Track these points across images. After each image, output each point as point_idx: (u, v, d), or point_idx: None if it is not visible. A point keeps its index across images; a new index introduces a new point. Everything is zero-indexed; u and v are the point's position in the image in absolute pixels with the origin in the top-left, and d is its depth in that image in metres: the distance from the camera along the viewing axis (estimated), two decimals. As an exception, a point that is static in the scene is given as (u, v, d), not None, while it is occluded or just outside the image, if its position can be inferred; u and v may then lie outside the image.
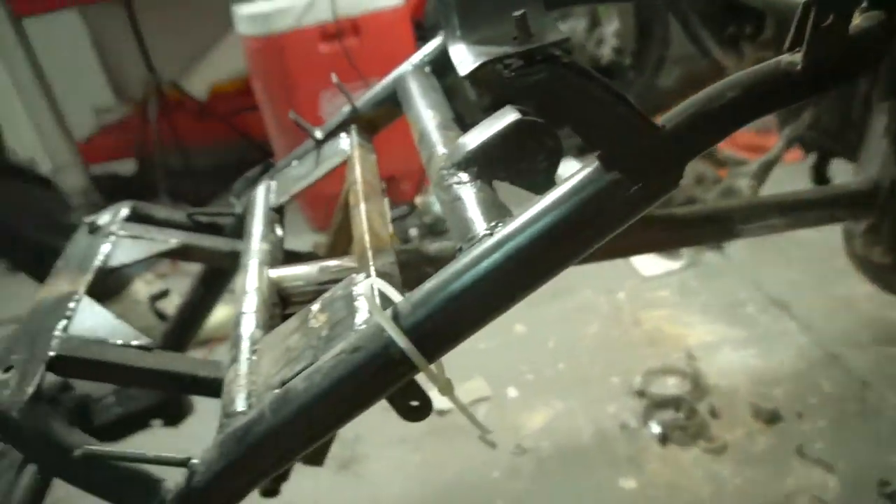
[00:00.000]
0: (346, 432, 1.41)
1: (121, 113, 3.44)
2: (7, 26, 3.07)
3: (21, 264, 1.79)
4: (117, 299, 1.77)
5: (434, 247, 0.88)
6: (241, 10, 2.25)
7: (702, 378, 1.39)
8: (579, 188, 0.48)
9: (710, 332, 1.54)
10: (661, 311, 1.65)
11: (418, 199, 2.28)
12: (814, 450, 1.19)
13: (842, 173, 1.19)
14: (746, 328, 1.53)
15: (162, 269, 2.07)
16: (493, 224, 0.52)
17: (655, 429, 1.27)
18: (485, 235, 0.51)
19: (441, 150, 0.67)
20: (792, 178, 1.26)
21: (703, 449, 1.23)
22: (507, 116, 0.61)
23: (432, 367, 0.51)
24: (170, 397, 0.98)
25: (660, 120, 0.48)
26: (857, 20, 0.54)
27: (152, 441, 1.09)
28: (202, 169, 2.83)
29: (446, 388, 0.53)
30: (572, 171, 0.50)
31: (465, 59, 0.44)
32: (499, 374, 1.53)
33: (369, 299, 0.51)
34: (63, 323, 0.67)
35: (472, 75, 0.44)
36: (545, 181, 0.60)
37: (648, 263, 1.82)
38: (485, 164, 0.60)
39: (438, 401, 1.53)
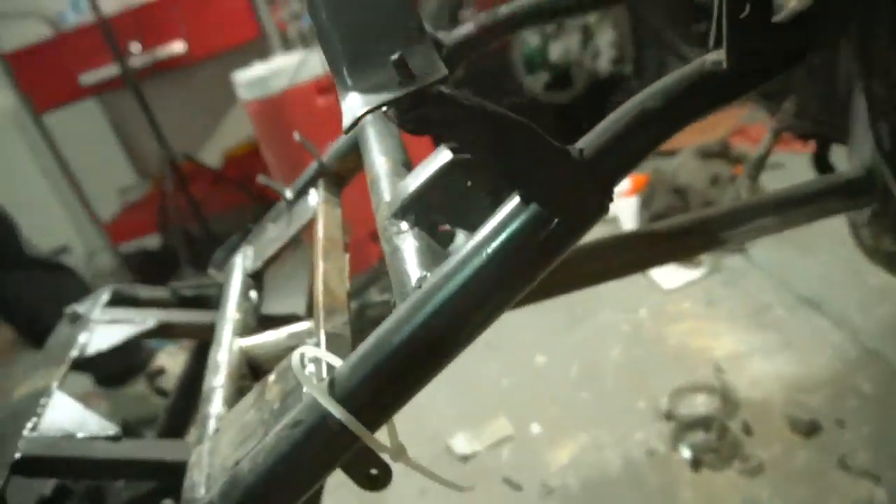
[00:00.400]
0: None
1: (142, 190, 3.56)
2: (30, 124, 3.24)
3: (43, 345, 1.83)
4: (139, 379, 1.79)
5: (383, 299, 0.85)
6: (240, 78, 2.33)
7: (732, 392, 1.31)
8: (501, 227, 0.45)
9: (738, 342, 1.46)
10: (685, 325, 1.58)
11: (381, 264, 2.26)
12: (858, 460, 1.10)
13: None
14: (776, 333, 1.45)
15: (186, 341, 2.09)
16: (422, 276, 0.49)
17: (686, 453, 1.20)
18: (415, 289, 0.48)
19: (387, 197, 0.65)
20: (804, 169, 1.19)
21: (738, 471, 1.15)
22: (441, 157, 0.59)
23: (377, 433, 0.48)
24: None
25: (577, 144, 0.45)
26: (793, 2, 0.50)
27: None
28: (222, 236, 2.88)
29: (397, 454, 0.50)
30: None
31: (351, 107, 0.43)
32: (521, 410, 1.47)
33: (297, 370, 0.48)
34: (32, 421, 0.66)
35: (350, 128, 0.42)
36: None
37: (668, 275, 1.76)
38: (422, 210, 0.57)
39: (460, 446, 1.48)
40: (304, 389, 0.52)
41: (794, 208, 0.79)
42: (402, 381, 0.47)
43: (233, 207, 3.12)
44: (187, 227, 2.89)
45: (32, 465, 0.62)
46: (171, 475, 0.64)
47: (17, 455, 0.62)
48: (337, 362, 0.50)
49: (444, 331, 0.45)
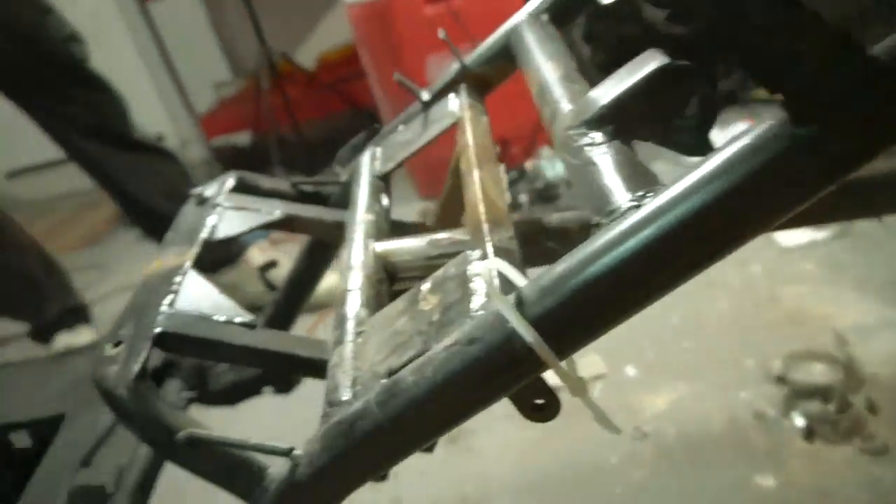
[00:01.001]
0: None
1: (237, 87, 3.57)
2: (135, 11, 3.25)
3: (151, 232, 1.89)
4: (233, 268, 1.83)
5: (556, 217, 0.79)
6: (344, -21, 2.23)
7: (856, 366, 1.21)
8: (758, 148, 0.37)
9: (865, 313, 1.34)
10: (804, 287, 1.46)
11: (529, 164, 2.18)
12: None
13: None
14: (912, 308, 1.32)
15: (276, 237, 2.12)
16: (639, 194, 0.42)
17: (799, 421, 1.13)
18: (630, 208, 0.41)
19: (567, 105, 0.58)
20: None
21: (858, 448, 1.07)
22: (650, 62, 0.51)
23: (563, 363, 0.43)
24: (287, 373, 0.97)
25: (871, 50, 0.36)
26: None
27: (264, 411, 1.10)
28: (313, 139, 2.87)
29: (579, 389, 0.45)
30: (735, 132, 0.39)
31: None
32: (616, 350, 1.42)
33: (488, 282, 0.43)
34: (170, 298, 0.65)
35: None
36: (698, 140, 0.50)
37: (789, 232, 1.63)
38: (623, 122, 0.50)
39: (549, 378, 1.45)
40: (486, 303, 0.47)
41: None
42: (606, 310, 0.42)
43: (325, 113, 3.09)
44: (280, 128, 2.89)
45: (171, 341, 0.61)
46: (311, 370, 0.62)
47: (158, 329, 0.61)
48: (520, 280, 0.45)
49: (670, 256, 0.39)
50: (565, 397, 0.45)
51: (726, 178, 0.37)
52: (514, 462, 1.24)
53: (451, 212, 0.83)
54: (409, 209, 2.16)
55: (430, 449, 0.77)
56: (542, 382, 0.47)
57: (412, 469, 1.23)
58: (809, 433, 1.11)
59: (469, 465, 1.26)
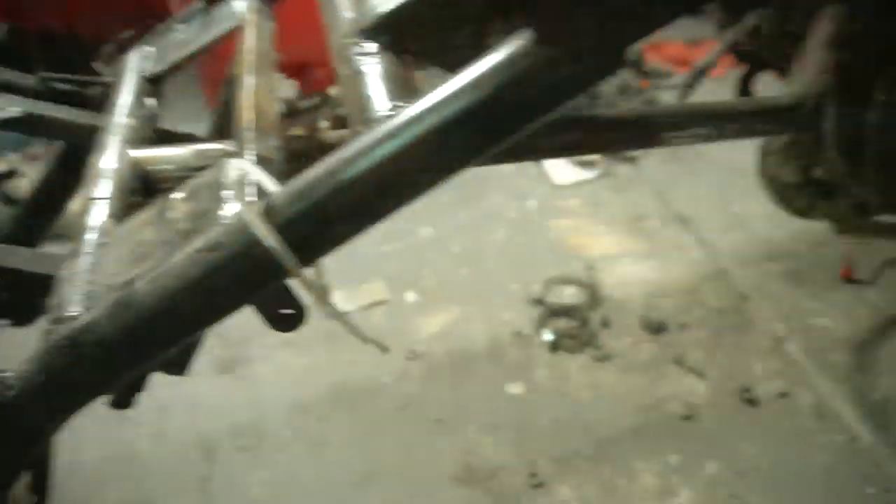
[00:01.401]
0: (232, 332, 1.34)
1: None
2: None
3: None
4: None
5: (335, 134, 0.78)
6: None
7: (599, 289, 1.41)
8: (506, 65, 0.40)
9: (612, 244, 1.56)
10: (569, 221, 1.65)
11: (332, 90, 2.11)
12: (690, 359, 1.25)
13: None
14: (647, 241, 1.56)
15: (36, 151, 1.82)
16: (397, 103, 0.44)
17: (547, 336, 1.29)
18: (386, 116, 0.43)
19: (346, 14, 0.57)
20: (714, 93, 1.24)
21: (590, 357, 1.27)
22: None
23: (308, 271, 0.45)
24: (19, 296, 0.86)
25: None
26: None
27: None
28: (92, 39, 2.48)
29: (321, 298, 0.47)
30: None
31: None
32: (399, 277, 1.49)
33: (236, 187, 0.42)
34: None
35: None
36: (468, 61, 0.53)
37: (562, 172, 1.80)
38: (396, 34, 0.51)
39: (339, 302, 1.47)
40: (229, 209, 0.46)
41: (728, 122, 0.80)
42: (354, 217, 0.43)
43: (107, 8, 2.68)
44: (47, 22, 2.44)
45: None
46: (33, 287, 0.56)
47: None
48: (274, 186, 0.45)
49: (418, 164, 0.41)
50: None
51: (475, 91, 0.40)
52: (289, 387, 1.26)
53: (226, 122, 0.79)
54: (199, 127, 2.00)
55: (181, 371, 0.74)
56: (288, 291, 0.48)
57: (181, 401, 1.20)
58: (555, 346, 1.28)
59: (239, 392, 1.26)
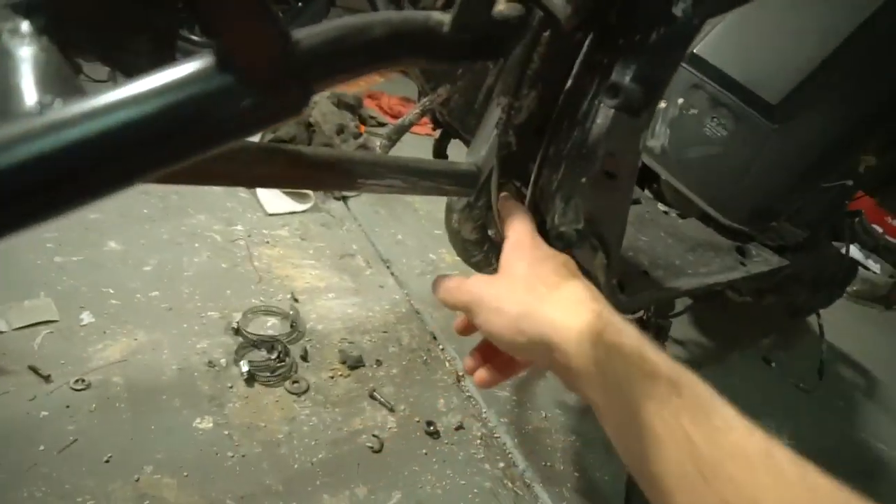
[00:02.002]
0: None
1: None
2: None
3: None
4: None
5: None
6: None
7: (301, 321, 1.40)
8: (181, 83, 0.37)
9: (317, 278, 1.57)
10: (276, 251, 1.62)
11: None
12: (383, 393, 1.31)
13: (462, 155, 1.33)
14: (352, 279, 1.61)
15: None
16: (47, 99, 0.37)
17: (244, 367, 1.23)
18: (31, 112, 0.36)
19: (2, -18, 0.48)
20: (426, 149, 1.35)
21: (287, 390, 1.24)
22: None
23: None
24: None
25: (296, 34, 0.41)
26: (502, 6, 0.56)
27: None
28: None
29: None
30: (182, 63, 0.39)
31: None
32: (75, 294, 1.29)
33: None
34: None
35: None
36: (146, 69, 0.48)
37: (274, 200, 1.77)
38: (59, 18, 0.44)
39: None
40: None
41: (418, 178, 0.88)
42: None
43: None
44: None
45: None
46: None
47: None
48: None
49: (62, 177, 0.35)
50: None
51: (143, 104, 0.36)
52: None
53: None
54: None
55: None
56: None
57: None
58: (251, 378, 1.23)
59: None
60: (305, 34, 0.42)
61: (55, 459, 1.01)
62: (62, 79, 0.40)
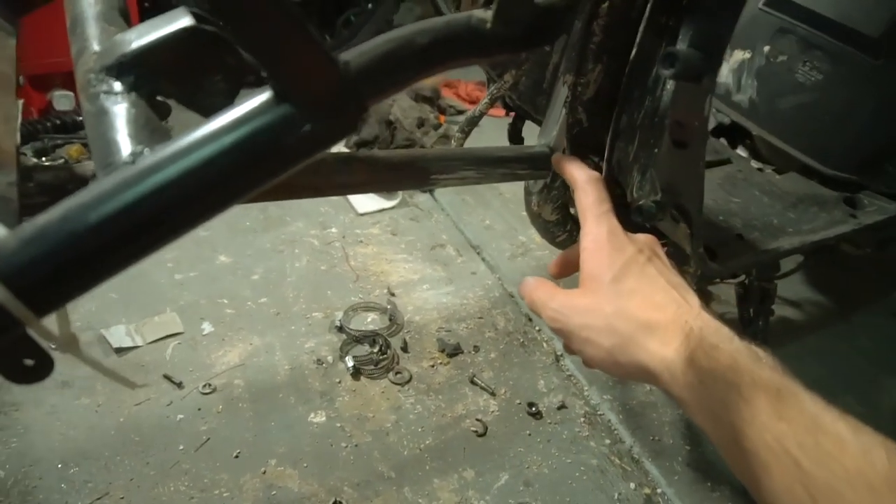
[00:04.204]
0: (-13, 378, 1.17)
1: None
2: None
3: None
4: None
5: (91, 166, 0.73)
6: None
7: (398, 314, 1.46)
8: (246, 118, 0.41)
9: (411, 271, 1.62)
10: (370, 248, 1.68)
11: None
12: (483, 379, 1.34)
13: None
14: (444, 268, 1.65)
15: None
16: (138, 149, 0.42)
17: (349, 363, 1.30)
18: (126, 163, 0.41)
19: (95, 46, 0.54)
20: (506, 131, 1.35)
21: (391, 381, 1.30)
22: (180, 19, 0.51)
23: (46, 318, 0.41)
24: None
25: (343, 56, 0.44)
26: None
27: None
28: None
29: (68, 346, 0.44)
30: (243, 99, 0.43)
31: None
32: (195, 307, 1.41)
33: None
34: None
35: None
36: (223, 107, 0.52)
37: (363, 200, 1.84)
38: (146, 74, 0.49)
39: (118, 338, 1.35)
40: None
41: (491, 167, 0.89)
42: (91, 267, 0.40)
43: None
44: None
45: None
46: None
47: None
48: (1, 230, 0.41)
49: (156, 217, 0.40)
50: (129, 360, 0.42)
51: (215, 143, 0.40)
52: (65, 434, 1.12)
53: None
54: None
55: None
56: (31, 342, 0.44)
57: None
58: (357, 372, 1.30)
59: (4, 445, 1.09)
60: (353, 55, 0.45)
61: (193, 457, 1.12)
62: (150, 129, 0.45)
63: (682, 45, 0.65)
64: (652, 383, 0.51)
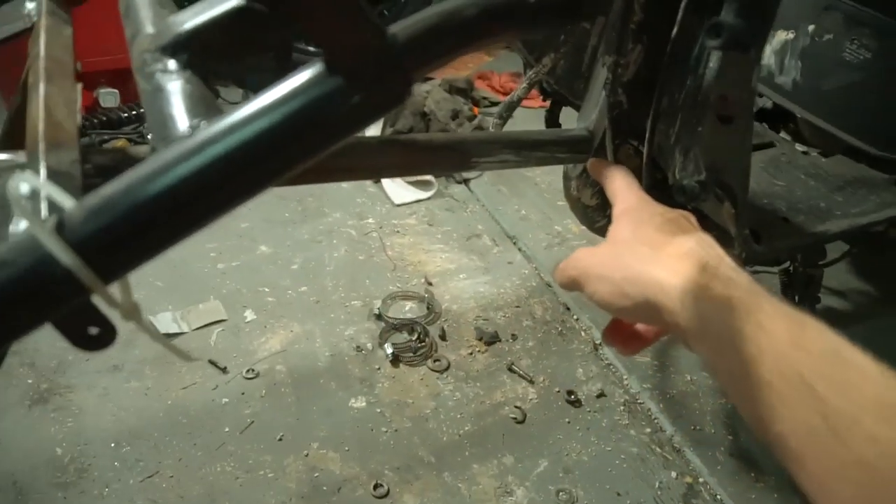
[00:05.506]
0: (44, 360, 1.22)
1: None
2: None
3: None
4: None
5: (144, 149, 0.75)
6: None
7: (436, 303, 1.46)
8: (299, 91, 0.42)
9: (448, 260, 1.63)
10: (407, 239, 1.70)
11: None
12: (521, 366, 1.34)
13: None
14: (480, 258, 1.65)
15: None
16: (195, 122, 0.44)
17: (389, 350, 1.32)
18: (183, 136, 0.43)
19: (149, 28, 0.56)
20: (539, 122, 1.34)
21: (430, 368, 1.31)
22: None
23: (111, 287, 0.43)
24: None
25: (391, 28, 0.45)
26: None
27: None
28: None
29: (130, 314, 0.45)
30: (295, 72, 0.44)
31: None
32: (237, 295, 1.44)
33: (18, 201, 0.40)
34: None
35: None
36: (271, 83, 0.54)
37: (400, 191, 1.86)
38: (198, 53, 0.51)
39: (165, 324, 1.39)
40: (18, 225, 0.43)
41: (530, 150, 0.89)
42: (153, 235, 0.42)
43: None
44: None
45: None
46: None
47: None
48: (68, 202, 0.42)
49: (213, 187, 0.41)
50: (182, 345, 0.44)
51: (269, 115, 0.41)
52: (116, 415, 1.16)
53: (17, 131, 0.73)
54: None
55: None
56: (95, 310, 0.46)
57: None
58: (396, 360, 1.31)
59: (60, 425, 1.14)
60: (400, 27, 0.45)
61: (238, 439, 1.15)
62: (205, 104, 0.46)
63: (723, 18, 0.64)
64: (656, 320, 0.48)
